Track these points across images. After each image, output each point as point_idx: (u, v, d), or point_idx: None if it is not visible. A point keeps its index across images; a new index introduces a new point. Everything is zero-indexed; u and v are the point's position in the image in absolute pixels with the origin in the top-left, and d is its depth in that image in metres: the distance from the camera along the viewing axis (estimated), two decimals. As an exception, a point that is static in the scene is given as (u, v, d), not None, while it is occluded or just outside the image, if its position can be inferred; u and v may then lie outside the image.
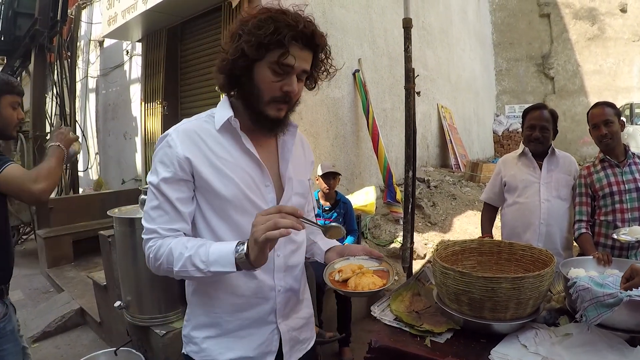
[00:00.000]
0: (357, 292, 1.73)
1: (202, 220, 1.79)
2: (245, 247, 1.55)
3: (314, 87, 1.90)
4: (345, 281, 1.78)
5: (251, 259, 1.53)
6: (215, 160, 1.73)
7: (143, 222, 1.77)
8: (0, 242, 2.65)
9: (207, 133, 1.76)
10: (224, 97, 1.88)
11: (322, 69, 1.84)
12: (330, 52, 1.83)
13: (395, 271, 2.20)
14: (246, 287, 1.79)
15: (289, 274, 1.90)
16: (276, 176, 1.87)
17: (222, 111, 1.78)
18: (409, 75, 5.08)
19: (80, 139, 2.94)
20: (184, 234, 1.76)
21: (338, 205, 5.12)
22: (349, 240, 4.96)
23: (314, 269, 4.02)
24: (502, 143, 16.88)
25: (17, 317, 2.84)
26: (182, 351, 1.94)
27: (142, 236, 1.77)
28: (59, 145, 2.72)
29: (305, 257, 2.09)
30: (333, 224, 1.85)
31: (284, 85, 1.69)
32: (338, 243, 2.11)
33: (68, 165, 7.92)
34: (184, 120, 1.82)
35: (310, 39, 1.69)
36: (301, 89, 1.78)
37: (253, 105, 1.73)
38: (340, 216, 5.08)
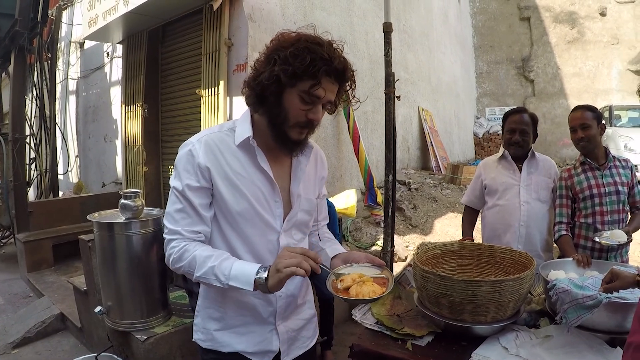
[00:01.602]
0: (358, 299, 1.79)
1: (217, 228, 1.95)
2: (266, 273, 1.70)
3: (334, 111, 1.98)
4: (346, 289, 1.83)
5: (269, 285, 1.68)
6: (231, 174, 1.87)
7: (166, 222, 1.92)
8: None
9: (226, 146, 1.90)
10: (246, 111, 1.98)
11: (345, 97, 1.93)
12: (355, 83, 1.90)
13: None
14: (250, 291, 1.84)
15: (290, 281, 1.95)
16: (286, 192, 2.00)
17: (243, 127, 1.91)
18: (389, 80, 5.10)
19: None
20: (205, 236, 1.92)
21: None
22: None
23: (318, 282, 4.08)
24: (483, 145, 16.97)
25: None
26: (193, 338, 2.12)
27: (164, 236, 1.92)
28: None
29: None
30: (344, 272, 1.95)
31: (310, 113, 1.80)
32: (344, 250, 2.17)
33: (17, 135, 7.80)
34: (206, 130, 1.97)
35: (341, 74, 1.78)
36: (323, 115, 1.88)
37: (277, 126, 1.83)
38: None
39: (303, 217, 2.04)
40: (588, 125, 3.48)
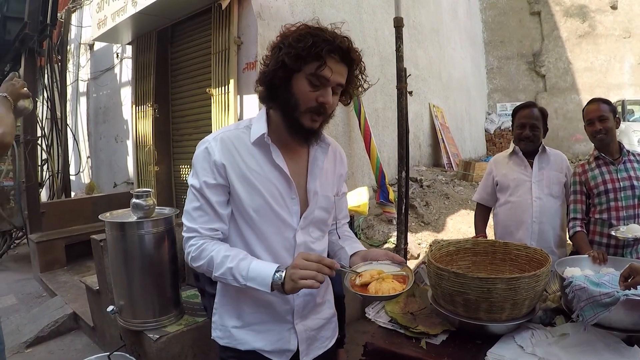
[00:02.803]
0: (377, 296, 1.81)
1: (233, 225, 1.97)
2: (283, 276, 1.73)
3: (349, 102, 2.01)
4: (364, 285, 1.85)
5: (285, 290, 1.72)
6: (246, 172, 1.89)
7: (184, 220, 1.95)
8: None
9: (242, 144, 1.92)
10: (262, 110, 2.00)
11: (357, 84, 1.94)
12: (365, 69, 1.93)
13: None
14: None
15: None
16: (303, 189, 2.00)
17: (258, 125, 1.93)
18: (401, 75, 5.07)
19: (31, 100, 2.80)
20: (222, 233, 1.95)
21: None
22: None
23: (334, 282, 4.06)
24: (495, 141, 16.88)
25: None
26: (212, 336, 2.12)
27: (183, 234, 1.95)
28: (5, 96, 2.64)
29: None
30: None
31: (320, 96, 1.79)
32: (363, 248, 2.18)
33: (29, 136, 7.81)
34: (223, 129, 2.00)
35: (346, 53, 1.80)
36: (336, 102, 1.90)
37: (289, 114, 1.84)
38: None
39: (321, 214, 2.04)
40: (605, 117, 3.44)
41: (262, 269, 1.76)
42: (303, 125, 1.83)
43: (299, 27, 1.81)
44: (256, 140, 1.89)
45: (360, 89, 1.98)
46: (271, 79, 1.84)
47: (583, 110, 3.63)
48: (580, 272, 2.55)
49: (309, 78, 1.78)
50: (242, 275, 1.77)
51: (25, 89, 2.79)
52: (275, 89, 1.85)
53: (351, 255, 2.11)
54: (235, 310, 2.02)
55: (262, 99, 1.95)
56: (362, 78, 1.95)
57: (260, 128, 1.90)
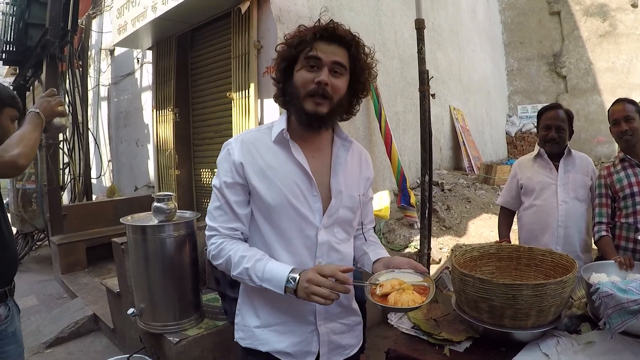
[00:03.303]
0: (396, 307, 1.78)
1: (253, 223, 1.99)
2: (296, 281, 1.73)
3: (364, 90, 2.02)
4: (384, 295, 1.82)
5: (297, 296, 1.73)
6: (265, 169, 1.91)
7: (207, 219, 2.01)
8: None
9: (262, 144, 1.96)
10: (284, 113, 2.04)
11: (365, 66, 1.96)
12: (366, 49, 1.97)
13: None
14: None
15: None
16: (326, 187, 2.00)
17: (279, 124, 1.97)
18: (423, 77, 5.02)
19: (68, 117, 2.74)
20: (242, 233, 1.98)
21: None
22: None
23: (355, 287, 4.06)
24: (516, 144, 16.71)
25: (20, 319, 2.83)
26: (234, 339, 2.12)
27: (205, 232, 2.01)
28: (38, 112, 2.61)
29: (357, 266, 2.20)
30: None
31: (316, 76, 1.83)
32: (387, 254, 2.16)
33: (50, 140, 7.86)
34: (246, 131, 2.09)
35: (332, 33, 1.86)
36: (341, 84, 1.90)
37: (295, 104, 1.90)
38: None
39: (345, 214, 2.03)
40: (632, 117, 3.34)
41: (277, 271, 1.78)
42: (306, 110, 1.86)
43: (297, 29, 1.93)
44: (276, 138, 1.93)
45: (370, 71, 2.00)
46: (278, 77, 1.97)
47: (608, 111, 3.55)
48: (607, 278, 2.49)
49: (303, 64, 1.86)
50: (258, 276, 1.80)
51: (62, 107, 2.77)
52: (283, 85, 1.96)
53: (374, 262, 2.10)
54: (257, 310, 2.01)
55: (277, 99, 2.03)
56: (366, 57, 1.96)
57: (280, 126, 1.94)
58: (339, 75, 1.87)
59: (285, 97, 1.96)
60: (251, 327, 2.01)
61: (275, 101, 2.05)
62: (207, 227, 2.00)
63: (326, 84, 1.83)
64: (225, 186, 1.93)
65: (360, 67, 1.93)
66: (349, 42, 1.89)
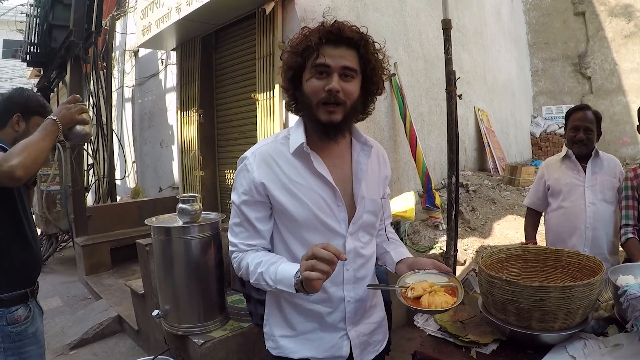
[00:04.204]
0: (430, 310, 1.79)
1: (278, 236, 1.97)
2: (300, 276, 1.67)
3: (377, 89, 1.96)
4: (416, 298, 1.83)
5: (306, 289, 1.67)
6: (289, 184, 1.86)
7: (229, 234, 2.00)
8: (18, 245, 2.64)
9: (281, 156, 1.90)
10: (299, 119, 1.97)
11: (376, 65, 1.88)
12: (376, 45, 1.90)
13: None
14: (317, 297, 1.90)
15: (359, 286, 1.99)
16: (349, 195, 1.97)
17: (296, 135, 1.90)
18: (450, 78, 4.98)
19: (91, 123, 2.62)
20: (263, 247, 1.97)
21: None
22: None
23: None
24: (540, 145, 16.58)
25: (42, 320, 2.85)
26: (266, 347, 2.09)
27: (229, 246, 2.00)
28: (55, 120, 2.47)
29: (378, 264, 2.19)
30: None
31: (326, 84, 1.76)
32: (409, 254, 2.17)
33: (75, 149, 7.90)
34: (262, 142, 1.99)
35: (338, 35, 1.78)
36: (353, 88, 1.84)
37: (309, 113, 1.85)
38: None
39: (369, 218, 2.00)
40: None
41: (287, 272, 1.75)
42: (320, 120, 1.81)
43: (300, 32, 1.87)
44: (295, 150, 1.87)
45: (383, 69, 1.93)
46: (288, 86, 1.90)
47: (639, 111, 3.51)
48: (634, 280, 2.45)
49: (311, 72, 1.80)
50: (272, 279, 1.78)
51: (84, 115, 2.61)
52: (295, 93, 1.90)
53: (397, 263, 2.12)
54: (284, 320, 2.01)
55: (290, 107, 1.97)
56: (376, 55, 1.89)
57: (298, 138, 1.88)
58: (350, 79, 1.81)
59: (298, 105, 1.92)
60: (281, 336, 2.01)
61: (287, 109, 2.03)
62: (230, 242, 2.00)
63: (337, 91, 1.77)
64: (245, 204, 1.91)
65: (372, 67, 1.87)
66: (357, 43, 1.82)
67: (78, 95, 2.69)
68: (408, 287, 1.89)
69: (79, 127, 2.59)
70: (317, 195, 1.87)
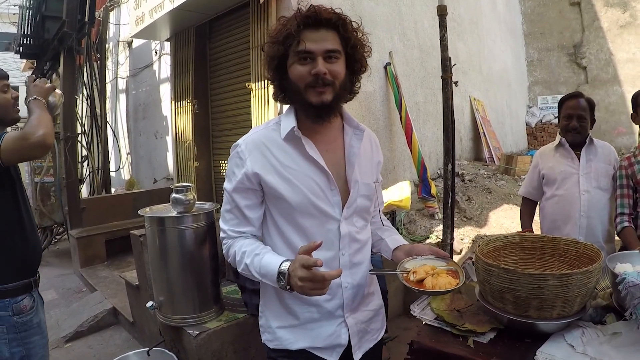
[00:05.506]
0: (435, 291, 1.83)
1: (272, 223, 1.97)
2: (285, 279, 1.70)
3: (361, 67, 1.99)
4: (419, 281, 1.86)
5: (292, 288, 1.68)
6: (282, 170, 1.88)
7: (220, 220, 2.04)
8: (20, 234, 2.69)
9: (273, 142, 1.91)
10: (290, 106, 1.99)
11: (357, 43, 1.91)
12: (354, 24, 1.91)
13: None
14: None
15: (356, 271, 2.02)
16: (342, 179, 1.98)
17: (287, 120, 1.92)
18: (446, 65, 4.97)
19: (58, 90, 2.98)
20: (252, 235, 1.99)
21: None
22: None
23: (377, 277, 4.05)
24: (536, 135, 16.62)
25: (44, 310, 2.88)
26: (262, 340, 2.10)
27: (220, 233, 2.04)
28: (35, 98, 2.72)
29: (373, 252, 2.19)
30: None
31: (312, 69, 1.79)
32: (404, 241, 2.20)
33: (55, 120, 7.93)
34: (254, 129, 2.02)
35: (317, 17, 1.80)
36: (339, 68, 1.86)
37: (298, 98, 1.86)
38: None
39: (363, 202, 2.02)
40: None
41: (269, 267, 1.76)
42: (311, 102, 1.83)
43: (278, 21, 1.90)
44: (287, 135, 1.88)
45: (364, 46, 1.94)
46: (273, 76, 1.92)
47: (634, 98, 3.49)
48: (632, 268, 2.44)
49: (295, 59, 1.82)
50: (257, 272, 1.81)
51: (49, 83, 2.87)
52: (281, 83, 1.91)
53: (394, 250, 2.15)
54: (281, 310, 2.01)
55: (277, 97, 1.99)
56: (356, 34, 1.91)
57: (289, 123, 1.89)
58: (334, 60, 1.84)
59: (286, 94, 1.93)
60: (278, 327, 2.00)
61: (275, 100, 2.05)
62: (221, 228, 2.03)
63: (325, 74, 1.80)
64: (236, 191, 1.93)
65: (353, 45, 1.89)
66: (335, 23, 1.83)
67: (32, 75, 2.88)
68: (410, 270, 1.91)
69: (51, 99, 2.85)
70: (310, 179, 1.88)
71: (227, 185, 1.97)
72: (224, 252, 2.00)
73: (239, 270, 1.90)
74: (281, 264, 1.73)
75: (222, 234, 2.01)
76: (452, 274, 1.90)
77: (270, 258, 1.79)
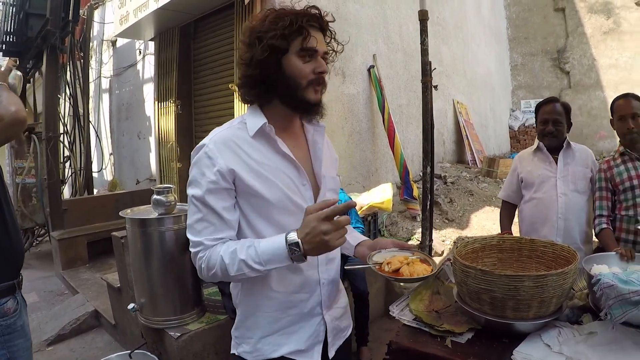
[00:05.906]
0: (414, 278, 1.89)
1: (246, 223, 1.88)
2: (301, 246, 1.63)
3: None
4: (395, 271, 1.92)
5: (308, 254, 1.65)
6: (257, 167, 1.82)
7: (188, 235, 1.85)
8: (3, 235, 2.58)
9: (242, 140, 1.85)
10: (252, 106, 1.95)
11: (332, 50, 1.95)
12: (335, 33, 1.96)
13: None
14: (293, 284, 1.91)
15: (331, 266, 2.03)
16: (310, 175, 1.98)
17: (255, 118, 1.88)
18: (426, 69, 5.01)
19: (17, 72, 2.96)
20: (229, 239, 1.84)
21: None
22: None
23: (352, 277, 4.03)
24: (519, 138, 16.77)
25: (27, 313, 2.83)
26: (232, 351, 2.05)
27: (190, 249, 1.85)
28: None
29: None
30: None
31: (316, 67, 1.82)
32: (365, 237, 2.23)
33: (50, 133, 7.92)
34: (217, 129, 1.92)
35: (320, 19, 1.84)
36: (328, 69, 1.88)
37: (294, 96, 1.84)
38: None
39: (331, 195, 2.05)
40: (638, 115, 3.37)
41: (273, 247, 1.68)
42: (310, 100, 1.84)
43: (265, 14, 1.84)
44: (257, 132, 1.84)
45: (334, 53, 1.97)
46: (261, 71, 1.82)
47: (613, 104, 3.57)
48: (608, 269, 2.48)
49: (298, 54, 1.80)
50: (257, 262, 1.69)
51: (3, 66, 2.82)
52: (268, 79, 1.83)
53: (356, 246, 2.18)
54: (262, 319, 1.94)
55: (254, 97, 1.91)
56: (335, 41, 1.96)
57: (258, 120, 1.86)
58: (328, 61, 1.90)
59: (274, 92, 1.86)
60: (258, 338, 1.95)
61: (244, 99, 1.95)
62: (191, 244, 1.84)
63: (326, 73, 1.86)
64: (210, 193, 1.78)
65: (333, 50, 1.95)
66: (326, 29, 1.89)
67: None
68: (384, 262, 1.96)
69: (10, 81, 2.75)
70: (285, 175, 1.87)
71: (194, 191, 1.82)
72: (202, 266, 1.80)
73: (231, 274, 1.73)
74: (286, 237, 1.66)
75: (196, 249, 1.82)
76: (424, 262, 1.98)
77: (267, 241, 1.72)
